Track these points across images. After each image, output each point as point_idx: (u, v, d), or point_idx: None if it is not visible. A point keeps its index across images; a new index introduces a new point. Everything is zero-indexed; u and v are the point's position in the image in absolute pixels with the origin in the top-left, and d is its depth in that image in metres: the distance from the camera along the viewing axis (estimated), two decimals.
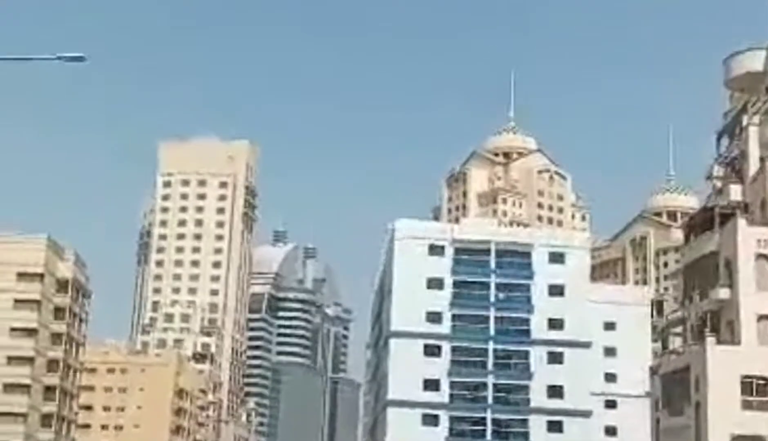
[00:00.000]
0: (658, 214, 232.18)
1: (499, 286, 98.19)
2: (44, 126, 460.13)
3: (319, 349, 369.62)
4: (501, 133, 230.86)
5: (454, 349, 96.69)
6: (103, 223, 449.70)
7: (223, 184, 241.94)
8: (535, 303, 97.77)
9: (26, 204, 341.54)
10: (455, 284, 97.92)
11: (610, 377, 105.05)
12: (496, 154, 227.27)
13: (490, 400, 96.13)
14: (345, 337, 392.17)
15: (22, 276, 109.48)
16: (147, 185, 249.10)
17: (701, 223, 61.63)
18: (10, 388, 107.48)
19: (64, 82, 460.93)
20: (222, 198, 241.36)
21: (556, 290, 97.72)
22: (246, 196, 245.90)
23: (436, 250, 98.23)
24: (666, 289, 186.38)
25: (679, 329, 66.23)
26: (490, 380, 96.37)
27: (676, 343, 66.82)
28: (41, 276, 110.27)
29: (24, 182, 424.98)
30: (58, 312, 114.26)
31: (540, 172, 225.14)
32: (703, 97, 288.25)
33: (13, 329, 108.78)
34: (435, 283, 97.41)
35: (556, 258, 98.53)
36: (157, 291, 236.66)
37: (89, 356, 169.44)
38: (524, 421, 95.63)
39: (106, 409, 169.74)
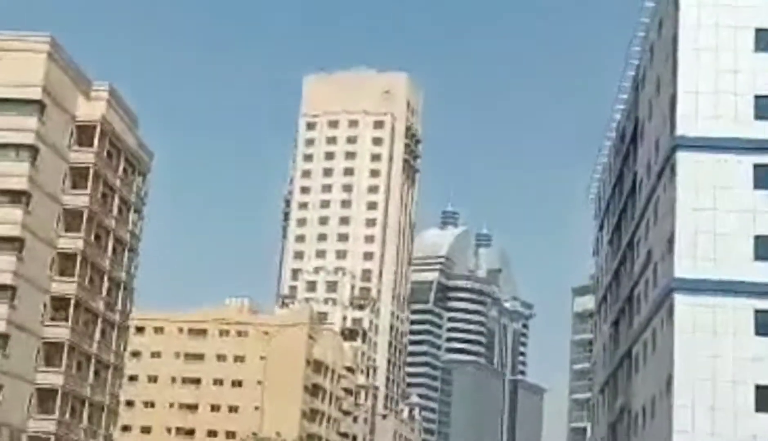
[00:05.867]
0: None
1: None
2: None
3: (496, 347, 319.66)
4: None
5: None
6: (249, 190, 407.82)
7: (379, 125, 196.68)
8: None
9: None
10: None
11: None
12: None
13: None
14: (524, 335, 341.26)
15: (5, 104, 63.59)
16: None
17: None
18: None
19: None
20: (377, 141, 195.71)
21: None
22: (406, 140, 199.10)
23: None
24: None
25: None
26: None
27: None
28: (41, 106, 64.32)
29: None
30: (79, 177, 68.34)
31: None
32: None
33: None
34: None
35: None
36: (298, 256, 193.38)
37: (199, 317, 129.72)
38: None
39: (218, 382, 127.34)
